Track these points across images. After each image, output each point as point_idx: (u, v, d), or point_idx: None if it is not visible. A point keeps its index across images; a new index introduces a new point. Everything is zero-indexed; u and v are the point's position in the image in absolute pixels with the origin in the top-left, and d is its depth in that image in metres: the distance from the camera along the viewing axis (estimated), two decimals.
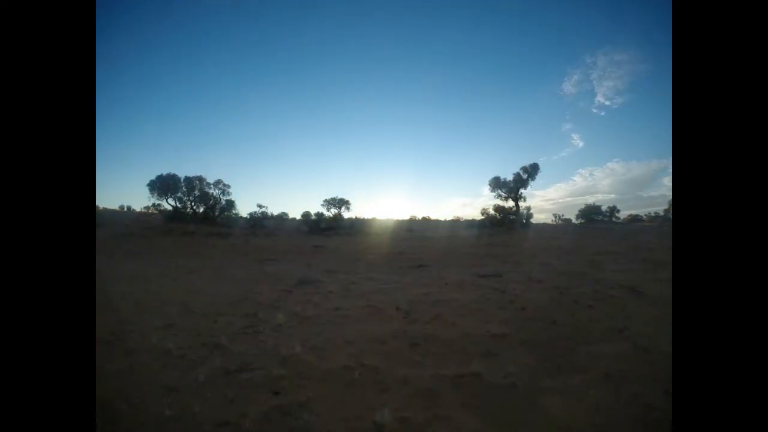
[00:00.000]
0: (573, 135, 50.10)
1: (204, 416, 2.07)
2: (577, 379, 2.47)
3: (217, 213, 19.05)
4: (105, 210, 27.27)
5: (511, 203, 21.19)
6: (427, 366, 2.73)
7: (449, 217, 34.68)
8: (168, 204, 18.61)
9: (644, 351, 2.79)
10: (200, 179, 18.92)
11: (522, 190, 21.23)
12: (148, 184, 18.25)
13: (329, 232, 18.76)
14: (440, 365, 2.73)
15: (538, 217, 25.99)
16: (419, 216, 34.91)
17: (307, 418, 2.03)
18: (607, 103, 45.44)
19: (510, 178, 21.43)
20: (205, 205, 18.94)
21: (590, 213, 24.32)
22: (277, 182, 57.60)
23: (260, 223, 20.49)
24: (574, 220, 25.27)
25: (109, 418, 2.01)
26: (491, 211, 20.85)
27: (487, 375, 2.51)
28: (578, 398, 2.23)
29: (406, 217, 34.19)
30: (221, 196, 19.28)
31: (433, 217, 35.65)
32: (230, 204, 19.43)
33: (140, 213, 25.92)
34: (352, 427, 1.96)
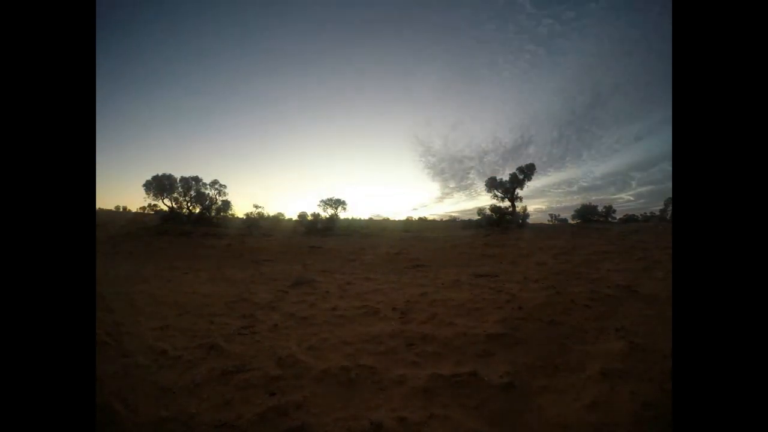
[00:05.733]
0: None
1: (201, 417, 2.05)
2: (574, 378, 2.48)
3: (213, 213, 18.94)
4: (101, 210, 27.06)
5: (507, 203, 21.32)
6: (424, 366, 2.73)
7: (446, 217, 34.78)
8: (164, 204, 18.48)
9: (641, 349, 2.81)
10: (196, 179, 18.79)
11: (518, 190, 21.34)
12: (144, 185, 18.08)
13: (326, 233, 18.71)
14: (437, 365, 2.73)
15: (534, 216, 26.15)
16: (416, 216, 34.96)
17: (304, 418, 2.02)
18: None
19: (506, 178, 21.56)
20: (201, 205, 18.81)
21: (586, 213, 24.47)
22: (274, 183, 57.43)
23: (256, 223, 20.38)
24: (570, 221, 25.43)
25: (106, 420, 2.00)
26: (488, 211, 20.95)
27: (484, 374, 2.52)
28: (575, 397, 2.24)
29: (403, 217, 34.23)
30: (217, 197, 19.18)
31: (429, 216, 35.73)
32: (226, 204, 19.31)
33: (136, 213, 25.72)
34: (349, 427, 1.95)
